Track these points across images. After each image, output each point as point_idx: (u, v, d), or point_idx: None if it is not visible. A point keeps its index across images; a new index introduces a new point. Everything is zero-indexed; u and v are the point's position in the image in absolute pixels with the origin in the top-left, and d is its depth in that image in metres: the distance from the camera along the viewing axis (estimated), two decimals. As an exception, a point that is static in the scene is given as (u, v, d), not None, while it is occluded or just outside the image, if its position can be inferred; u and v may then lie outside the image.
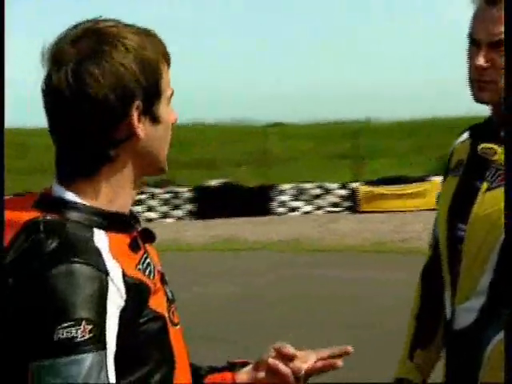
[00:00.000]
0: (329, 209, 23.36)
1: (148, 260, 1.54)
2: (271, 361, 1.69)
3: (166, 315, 1.54)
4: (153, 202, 22.94)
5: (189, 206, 23.02)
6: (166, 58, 1.57)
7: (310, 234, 18.61)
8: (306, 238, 17.96)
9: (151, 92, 1.52)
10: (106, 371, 1.39)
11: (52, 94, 1.49)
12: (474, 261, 2.28)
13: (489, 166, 2.30)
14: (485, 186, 2.30)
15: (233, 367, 1.77)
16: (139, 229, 1.58)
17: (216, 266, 14.09)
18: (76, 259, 1.40)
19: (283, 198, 23.39)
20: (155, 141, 1.55)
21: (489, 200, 2.26)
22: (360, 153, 26.20)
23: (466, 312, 2.31)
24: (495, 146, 2.29)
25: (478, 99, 2.30)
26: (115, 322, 1.42)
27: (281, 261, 14.56)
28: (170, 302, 1.59)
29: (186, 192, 23.09)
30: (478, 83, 2.28)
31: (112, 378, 1.40)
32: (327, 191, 23.54)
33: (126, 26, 1.53)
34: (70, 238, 1.43)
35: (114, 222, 1.51)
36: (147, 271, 1.51)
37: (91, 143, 1.49)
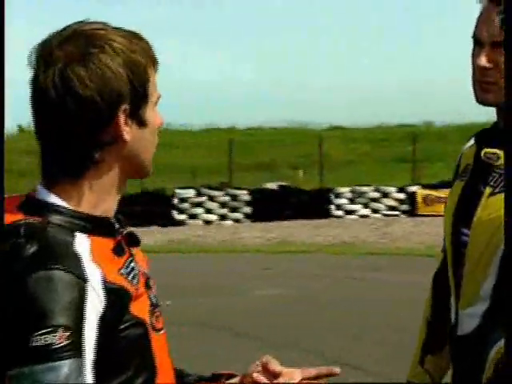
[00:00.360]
0: (386, 212, 23.29)
1: (132, 264, 1.53)
2: (256, 375, 1.68)
3: (148, 321, 1.53)
4: (211, 205, 23.12)
5: (247, 209, 23.14)
6: (154, 62, 1.56)
7: (367, 237, 18.57)
8: (363, 241, 17.93)
9: (138, 95, 1.51)
10: (84, 378, 1.39)
11: (38, 94, 1.49)
12: (477, 265, 2.25)
13: (492, 171, 2.27)
14: (488, 190, 2.26)
15: (219, 378, 1.75)
16: (124, 232, 1.57)
17: (271, 268, 14.10)
18: (55, 265, 1.40)
19: (340, 201, 23.38)
20: (141, 144, 1.54)
21: (492, 205, 2.23)
22: (418, 156, 26.02)
23: (469, 317, 2.28)
24: (498, 151, 2.23)
25: (481, 101, 2.24)
26: (94, 329, 1.41)
27: (336, 264, 14.54)
28: (154, 306, 1.57)
29: (244, 194, 23.21)
30: (481, 84, 2.22)
31: None
32: (385, 194, 23.46)
33: (114, 28, 1.53)
34: (49, 243, 1.43)
35: (98, 226, 1.50)
36: (131, 275, 1.51)
37: (77, 144, 1.48)
